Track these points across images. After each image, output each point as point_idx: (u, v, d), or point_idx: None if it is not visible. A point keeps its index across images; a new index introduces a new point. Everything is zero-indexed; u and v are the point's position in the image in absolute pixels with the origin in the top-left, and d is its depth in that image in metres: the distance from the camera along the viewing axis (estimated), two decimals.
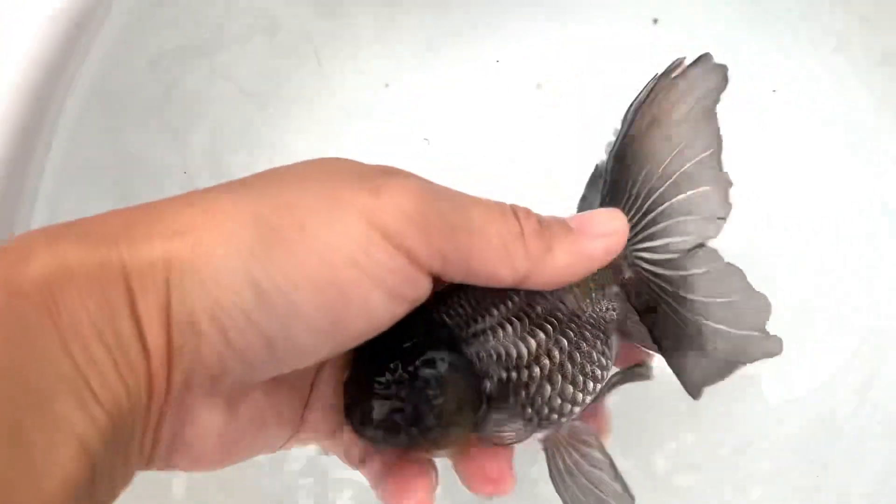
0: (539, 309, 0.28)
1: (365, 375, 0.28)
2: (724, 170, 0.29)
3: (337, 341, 0.24)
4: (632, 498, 0.29)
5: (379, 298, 0.23)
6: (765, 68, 0.47)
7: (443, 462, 0.30)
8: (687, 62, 0.28)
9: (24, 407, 0.19)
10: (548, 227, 0.26)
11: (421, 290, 0.24)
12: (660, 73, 0.29)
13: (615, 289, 0.30)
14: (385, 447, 0.28)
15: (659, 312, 0.29)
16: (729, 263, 0.30)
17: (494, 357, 0.28)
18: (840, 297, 0.46)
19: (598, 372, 0.29)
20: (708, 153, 0.29)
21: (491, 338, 0.28)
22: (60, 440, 0.19)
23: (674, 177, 0.29)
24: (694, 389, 0.30)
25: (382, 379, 0.27)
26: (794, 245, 0.46)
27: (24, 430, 0.19)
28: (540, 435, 0.29)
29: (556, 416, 0.28)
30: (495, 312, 0.28)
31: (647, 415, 0.36)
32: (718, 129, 0.29)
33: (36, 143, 0.36)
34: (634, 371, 0.31)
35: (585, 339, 0.29)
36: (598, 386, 0.29)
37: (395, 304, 0.24)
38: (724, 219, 0.30)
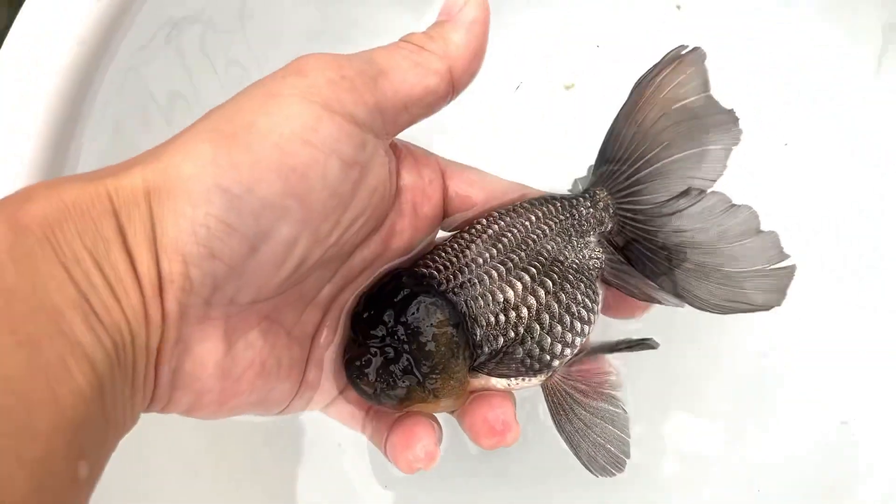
0: (522, 255, 0.29)
1: (359, 332, 0.29)
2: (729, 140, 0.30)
3: (310, 225, 0.25)
4: (628, 438, 0.30)
5: (335, 168, 0.25)
6: (778, 58, 0.47)
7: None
8: (684, 52, 0.29)
9: (39, 324, 0.20)
10: (430, 32, 0.28)
11: (369, 150, 0.26)
12: (664, 57, 0.30)
13: (596, 238, 0.31)
14: (385, 401, 0.29)
15: (641, 258, 0.30)
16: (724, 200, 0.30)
17: (482, 302, 0.29)
18: (840, 297, 0.46)
19: (585, 314, 0.30)
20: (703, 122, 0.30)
21: (478, 285, 0.29)
22: (72, 354, 0.21)
23: (663, 144, 0.30)
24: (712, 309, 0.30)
25: (375, 332, 0.28)
26: (794, 245, 0.46)
27: (40, 345, 0.20)
28: (537, 380, 0.30)
29: (548, 358, 0.29)
30: (480, 261, 0.29)
31: None
32: (718, 111, 0.30)
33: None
34: (643, 342, 0.31)
35: (569, 282, 0.30)
36: (587, 328, 0.30)
37: (351, 171, 0.25)
38: (713, 181, 0.30)
